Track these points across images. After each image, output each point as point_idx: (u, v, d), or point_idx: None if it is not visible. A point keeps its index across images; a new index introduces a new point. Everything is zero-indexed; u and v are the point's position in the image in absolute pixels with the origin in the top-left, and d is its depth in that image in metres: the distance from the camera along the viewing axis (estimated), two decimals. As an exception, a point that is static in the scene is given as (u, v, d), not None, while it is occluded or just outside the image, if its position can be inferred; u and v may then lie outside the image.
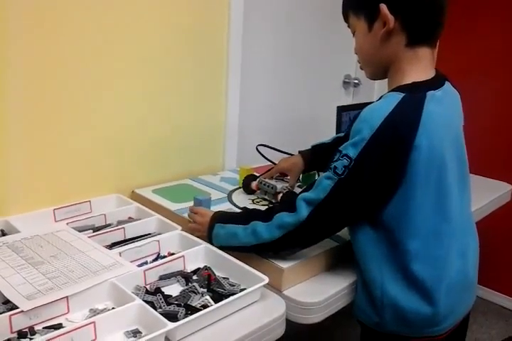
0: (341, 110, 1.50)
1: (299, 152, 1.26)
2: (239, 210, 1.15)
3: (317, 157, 1.22)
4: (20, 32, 1.03)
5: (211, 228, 0.97)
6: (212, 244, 0.98)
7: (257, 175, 1.31)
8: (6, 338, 0.73)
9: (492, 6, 2.10)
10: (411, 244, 0.86)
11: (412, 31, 0.85)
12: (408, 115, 0.81)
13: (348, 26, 0.94)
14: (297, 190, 1.21)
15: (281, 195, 1.19)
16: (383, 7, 0.83)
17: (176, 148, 1.43)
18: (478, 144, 1.62)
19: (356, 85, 2.11)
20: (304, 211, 0.86)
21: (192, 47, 1.38)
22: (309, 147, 1.26)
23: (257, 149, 1.33)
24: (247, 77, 1.60)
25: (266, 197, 1.25)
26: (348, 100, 2.13)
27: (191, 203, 1.18)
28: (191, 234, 1.03)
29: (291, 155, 1.30)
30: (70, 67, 1.13)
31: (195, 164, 1.49)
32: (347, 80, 2.09)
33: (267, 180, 1.25)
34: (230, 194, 1.29)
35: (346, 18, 0.93)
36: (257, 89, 1.71)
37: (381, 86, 2.22)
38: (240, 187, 1.33)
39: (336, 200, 0.85)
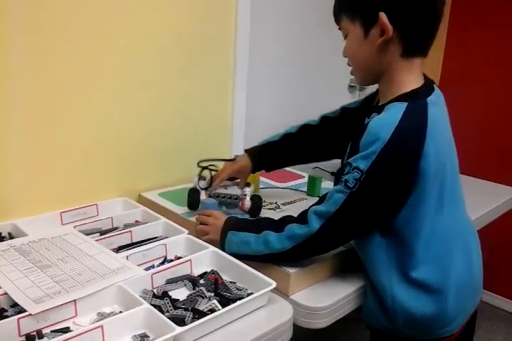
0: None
1: (245, 151, 1.20)
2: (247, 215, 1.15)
3: (266, 157, 1.17)
4: (20, 33, 1.03)
5: (224, 234, 0.98)
6: (223, 249, 0.97)
7: (198, 188, 1.16)
8: (14, 341, 0.73)
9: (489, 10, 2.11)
10: (418, 248, 0.87)
11: (409, 42, 0.84)
12: (415, 123, 0.82)
13: (339, 28, 0.93)
14: (245, 190, 1.14)
15: (246, 202, 1.11)
16: (383, 15, 0.82)
17: (183, 151, 1.43)
18: (472, 145, 1.61)
19: (362, 89, 2.11)
20: (315, 224, 0.86)
21: (199, 49, 1.38)
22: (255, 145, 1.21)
23: (198, 165, 1.20)
24: (254, 80, 1.60)
25: (226, 209, 1.16)
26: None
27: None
28: (198, 237, 1.03)
29: (228, 160, 1.20)
30: (74, 67, 1.13)
31: (202, 168, 1.49)
32: (353, 84, 2.09)
33: (220, 191, 1.16)
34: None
35: (338, 21, 0.92)
36: (263, 92, 1.71)
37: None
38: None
39: (348, 213, 0.85)
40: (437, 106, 0.87)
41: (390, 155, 0.80)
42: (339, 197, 0.84)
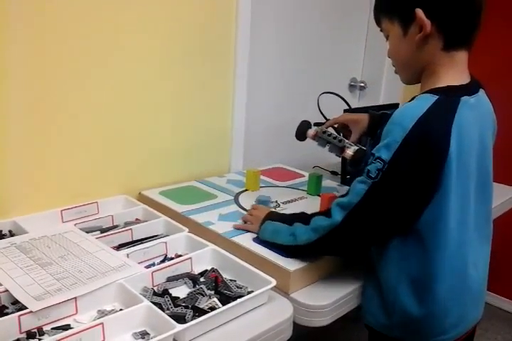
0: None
1: (369, 112, 1.17)
2: (244, 212, 1.16)
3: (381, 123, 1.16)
4: (21, 33, 1.03)
5: (262, 222, 1.02)
6: (258, 236, 1.02)
7: (312, 123, 1.17)
8: (15, 338, 0.73)
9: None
10: (438, 253, 0.84)
11: (449, 35, 0.83)
12: (440, 118, 0.80)
13: (381, 30, 0.93)
14: (354, 142, 1.09)
15: (351, 150, 1.06)
16: (419, 11, 0.81)
17: (183, 150, 1.43)
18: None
19: (362, 88, 2.11)
20: (337, 215, 0.85)
21: (199, 51, 1.38)
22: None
23: (317, 100, 1.24)
24: (254, 80, 1.60)
25: (327, 149, 1.12)
26: (353, 103, 2.13)
27: (198, 205, 1.21)
28: (242, 227, 1.07)
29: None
30: (75, 67, 1.13)
31: (202, 166, 1.49)
32: (353, 83, 2.09)
33: (331, 131, 1.12)
34: (236, 196, 1.29)
35: (378, 23, 0.92)
36: (263, 92, 1.71)
37: (387, 89, 2.23)
38: (245, 190, 1.34)
39: (371, 205, 0.83)
40: (473, 109, 0.84)
41: (411, 145, 0.78)
42: (361, 188, 0.82)
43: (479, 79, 0.92)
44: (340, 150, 1.08)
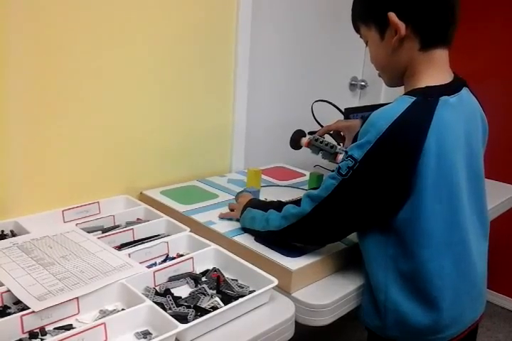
0: (349, 112, 1.50)
1: (362, 117, 1.19)
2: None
3: None
4: (21, 29, 1.03)
5: (243, 210, 1.06)
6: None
7: (307, 132, 1.22)
8: (17, 338, 0.73)
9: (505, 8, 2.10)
10: (420, 253, 0.84)
11: (425, 35, 0.84)
12: (417, 119, 0.80)
13: (360, 37, 0.94)
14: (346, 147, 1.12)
15: (341, 156, 1.08)
16: (392, 15, 0.82)
17: (184, 149, 1.43)
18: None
19: (363, 87, 2.11)
20: (306, 206, 0.89)
21: (200, 50, 1.38)
22: None
23: (311, 107, 1.28)
24: (255, 79, 1.60)
25: (320, 156, 1.17)
26: (354, 102, 2.14)
27: (199, 204, 1.21)
28: (224, 214, 1.12)
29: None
30: (76, 66, 1.13)
31: (203, 166, 1.49)
32: (354, 82, 2.09)
33: (323, 138, 1.16)
34: (237, 195, 1.29)
35: (357, 29, 0.93)
36: (264, 91, 1.71)
37: (388, 88, 2.22)
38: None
39: (338, 200, 0.85)
40: (454, 108, 0.84)
41: (384, 146, 0.78)
42: (331, 183, 0.85)
43: (467, 78, 0.92)
44: (332, 156, 1.11)
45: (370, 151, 0.79)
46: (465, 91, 0.89)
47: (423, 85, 0.85)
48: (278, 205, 0.99)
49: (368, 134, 0.80)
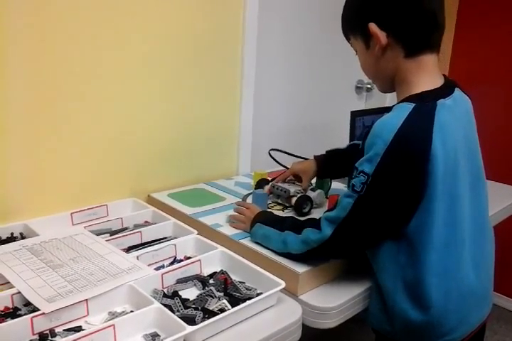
0: (355, 115, 1.50)
1: (314, 157, 1.25)
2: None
3: (331, 163, 1.22)
4: (21, 31, 1.03)
5: (253, 225, 1.04)
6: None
7: (269, 179, 1.31)
8: (27, 340, 0.74)
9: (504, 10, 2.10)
10: (427, 256, 0.85)
11: (407, 42, 0.85)
12: (420, 125, 0.80)
13: (351, 46, 0.95)
14: (310, 193, 1.21)
15: (295, 198, 1.19)
16: (372, 25, 0.84)
17: (191, 152, 1.44)
18: (490, 149, 1.63)
19: (369, 90, 2.11)
20: (327, 230, 0.87)
21: (207, 52, 1.39)
22: (324, 152, 1.25)
23: (269, 154, 1.33)
24: (261, 82, 1.61)
25: (279, 201, 1.26)
26: (360, 105, 2.14)
27: (206, 207, 1.22)
28: (234, 226, 1.10)
29: (304, 159, 1.30)
30: (78, 68, 1.14)
31: (210, 169, 1.50)
32: (360, 85, 2.09)
33: (279, 184, 1.26)
34: (244, 198, 1.30)
35: (348, 39, 0.95)
36: (270, 94, 1.72)
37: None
38: (253, 192, 1.34)
39: (358, 218, 0.85)
40: (451, 111, 0.84)
41: (393, 157, 0.79)
42: (348, 202, 0.84)
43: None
44: (288, 200, 1.22)
45: (381, 163, 0.79)
46: (457, 92, 0.90)
47: (418, 91, 0.85)
48: (292, 224, 0.97)
49: (374, 146, 0.80)
